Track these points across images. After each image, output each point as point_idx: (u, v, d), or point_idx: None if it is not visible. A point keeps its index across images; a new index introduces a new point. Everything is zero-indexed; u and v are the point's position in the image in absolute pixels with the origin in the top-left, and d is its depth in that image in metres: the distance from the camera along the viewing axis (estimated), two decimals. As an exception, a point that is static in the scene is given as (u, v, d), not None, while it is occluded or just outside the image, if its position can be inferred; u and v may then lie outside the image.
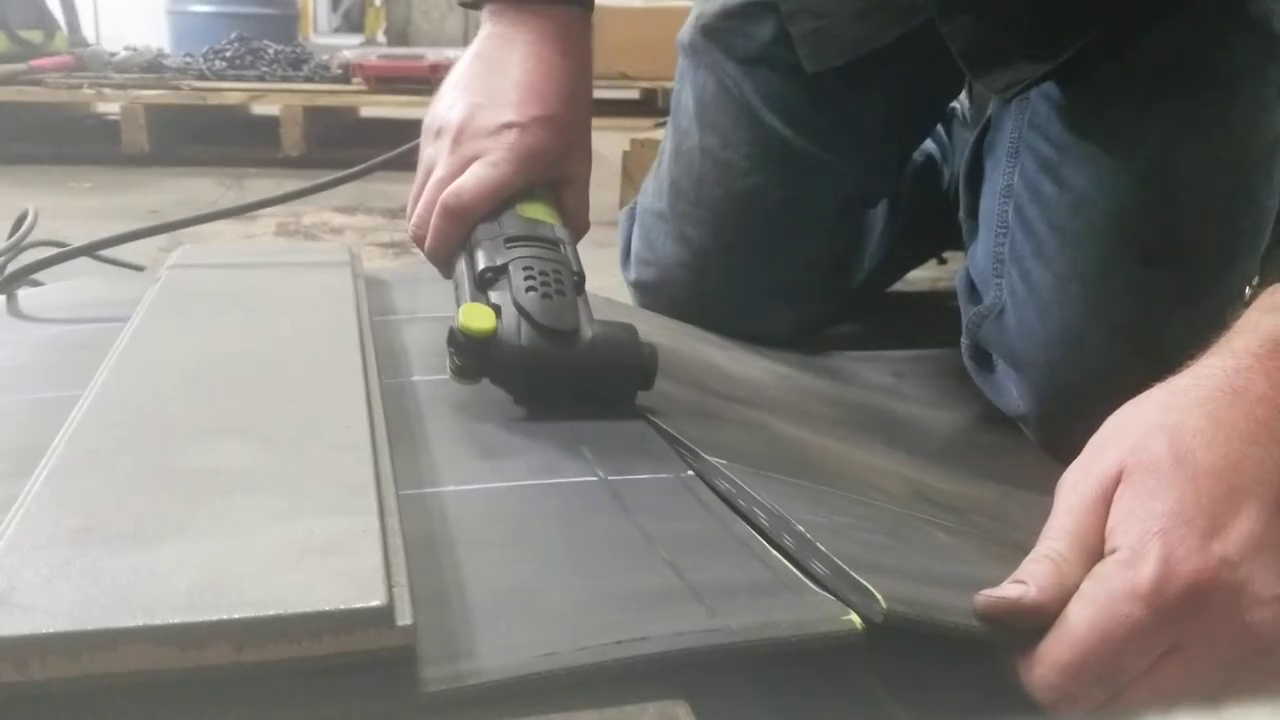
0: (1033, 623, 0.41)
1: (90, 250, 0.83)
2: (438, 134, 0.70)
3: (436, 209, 0.67)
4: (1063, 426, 0.76)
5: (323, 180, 0.88)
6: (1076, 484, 0.45)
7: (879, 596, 0.39)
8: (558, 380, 0.58)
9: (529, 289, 0.59)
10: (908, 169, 1.10)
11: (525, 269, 0.60)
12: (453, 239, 0.66)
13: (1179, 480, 0.42)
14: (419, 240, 0.70)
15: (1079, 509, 0.44)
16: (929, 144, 1.15)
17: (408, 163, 0.79)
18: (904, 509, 0.56)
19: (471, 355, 0.56)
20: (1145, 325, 0.73)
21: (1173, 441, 0.43)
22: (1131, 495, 0.43)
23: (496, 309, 0.58)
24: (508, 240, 0.63)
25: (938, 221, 1.10)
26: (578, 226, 0.71)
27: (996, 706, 0.42)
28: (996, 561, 0.46)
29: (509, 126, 0.67)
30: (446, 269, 0.68)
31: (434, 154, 0.70)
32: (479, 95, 0.69)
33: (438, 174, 0.69)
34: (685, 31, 0.97)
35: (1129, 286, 0.73)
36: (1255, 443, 0.43)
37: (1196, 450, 0.43)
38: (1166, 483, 0.42)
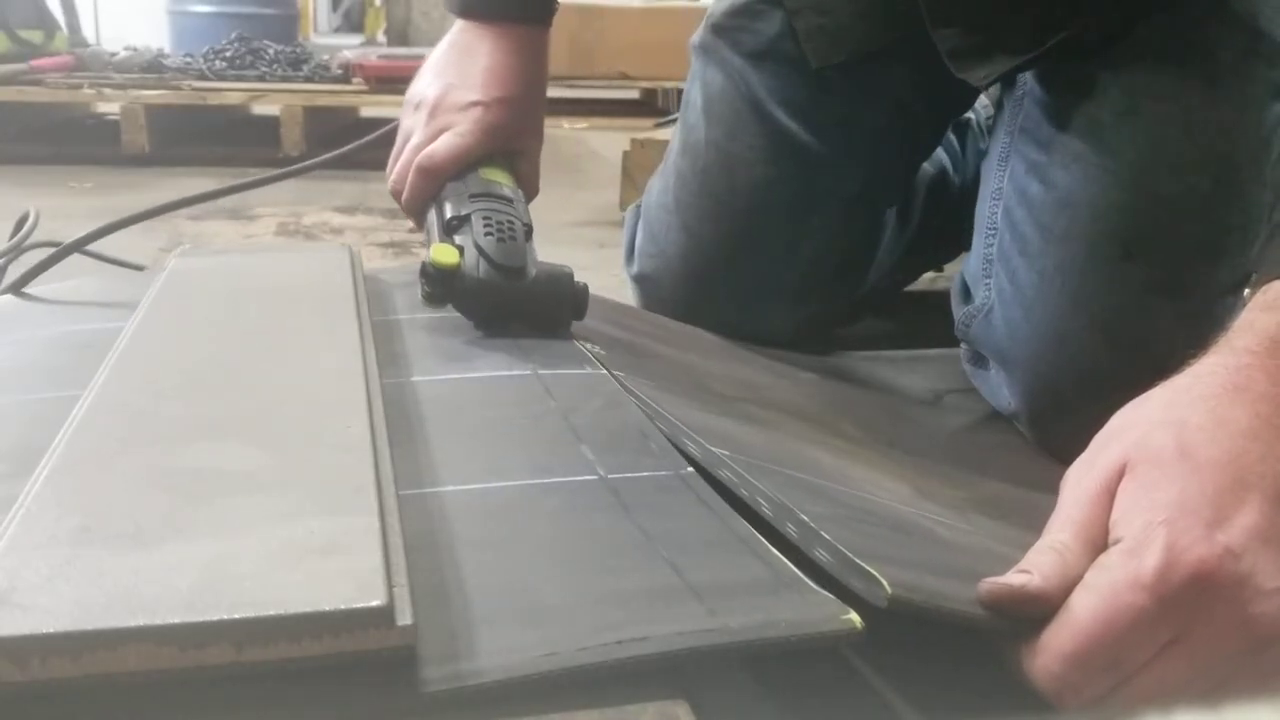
0: (1036, 611, 0.41)
1: (81, 245, 0.83)
2: (416, 107, 0.84)
3: (412, 169, 0.80)
4: (1053, 423, 0.77)
5: (300, 165, 0.93)
6: (1081, 478, 0.45)
7: (884, 582, 0.39)
8: (507, 307, 0.70)
9: (486, 234, 0.71)
10: (920, 179, 1.10)
11: (484, 218, 0.72)
12: (425, 194, 0.80)
13: (1182, 473, 0.42)
14: (397, 195, 0.83)
15: (1083, 501, 0.44)
16: (942, 156, 1.15)
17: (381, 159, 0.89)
18: (905, 506, 0.56)
19: (439, 285, 0.69)
20: (1127, 319, 0.73)
21: (1176, 436, 0.44)
22: (1135, 487, 0.43)
23: (460, 249, 0.69)
24: (471, 195, 0.76)
25: (948, 233, 1.11)
26: (529, 189, 0.85)
27: (1000, 705, 0.42)
28: (998, 558, 0.46)
29: (475, 104, 0.81)
30: (419, 219, 0.82)
31: (412, 124, 0.83)
32: (452, 77, 0.83)
33: (414, 140, 0.82)
34: (696, 34, 0.98)
35: (1110, 281, 0.74)
36: (1258, 438, 0.43)
37: (1200, 444, 0.43)
38: (1170, 475, 0.42)
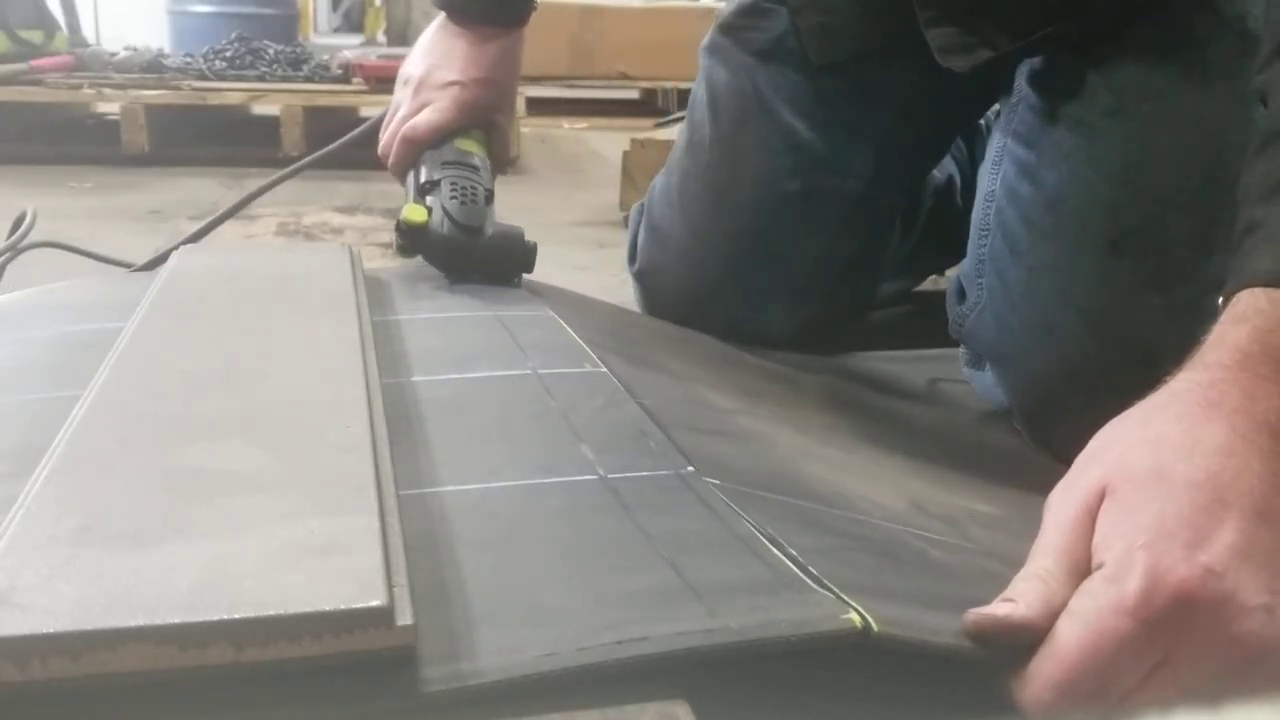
0: (1022, 640, 0.41)
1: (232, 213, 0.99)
2: (404, 84, 0.96)
3: (398, 139, 0.93)
4: (1045, 419, 0.78)
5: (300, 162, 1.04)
6: (1062, 501, 0.45)
7: (871, 620, 0.40)
8: (467, 260, 0.82)
9: (452, 196, 0.83)
10: (927, 185, 1.11)
11: (452, 183, 0.84)
12: (407, 160, 0.93)
13: (1160, 494, 0.42)
14: (385, 159, 0.95)
15: (1065, 526, 0.44)
16: (951, 165, 1.16)
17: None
18: (899, 525, 0.56)
19: (409, 239, 0.81)
20: (1114, 313, 0.74)
21: (1153, 456, 0.44)
22: (1115, 510, 0.43)
23: (429, 209, 0.82)
24: (444, 163, 0.88)
25: (954, 239, 1.11)
26: (500, 158, 0.98)
27: (997, 705, 0.42)
28: (990, 579, 0.45)
29: (453, 84, 0.93)
30: (402, 180, 0.94)
31: (400, 98, 0.96)
32: (435, 59, 0.95)
33: (401, 113, 0.95)
34: (706, 36, 0.99)
35: (1098, 275, 0.74)
36: (1234, 454, 0.43)
37: (1176, 464, 0.43)
38: (1148, 497, 0.42)
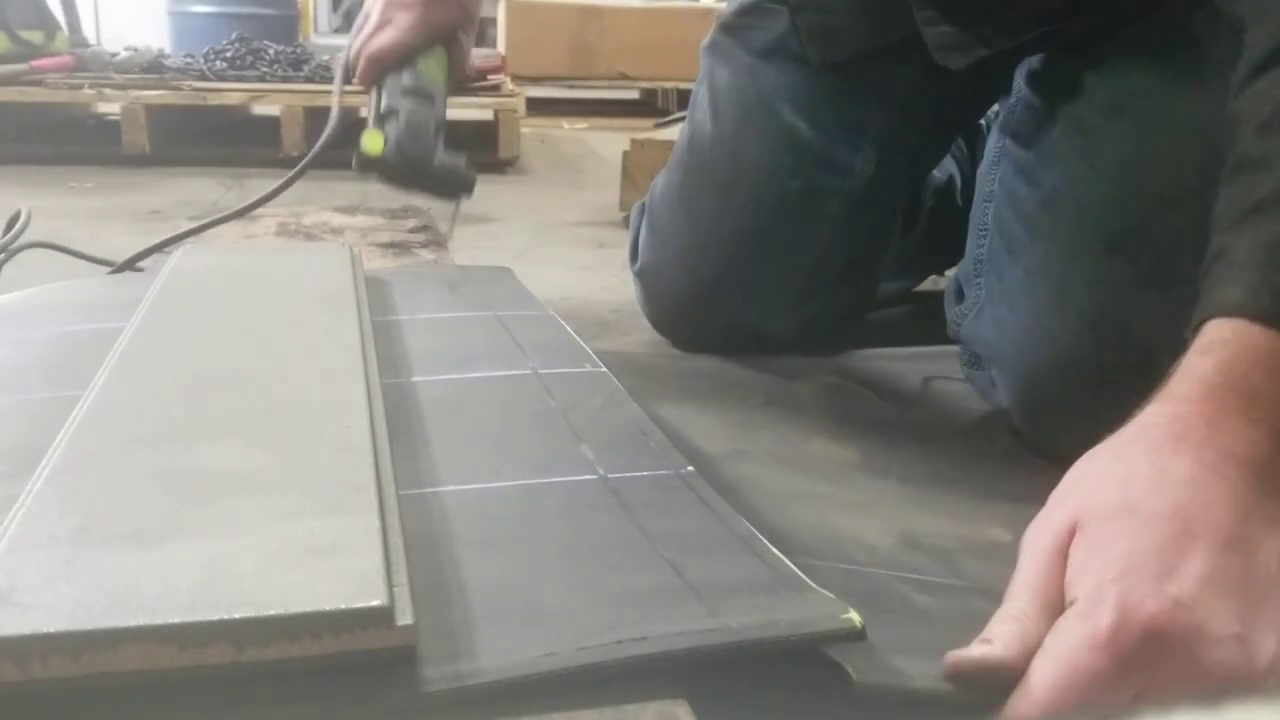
0: (999, 680, 0.41)
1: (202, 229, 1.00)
2: None
3: (364, 56, 1.01)
4: (1043, 420, 0.77)
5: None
6: (1036, 538, 0.45)
7: (849, 669, 0.40)
8: (417, 184, 0.95)
9: (407, 127, 0.94)
10: (927, 185, 1.11)
11: (408, 114, 0.95)
12: (371, 76, 1.01)
13: (1129, 528, 0.42)
14: (353, 70, 1.04)
15: (1038, 564, 0.44)
16: (951, 165, 1.16)
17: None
18: (884, 570, 0.56)
19: (367, 164, 0.92)
20: (1112, 311, 0.74)
21: (1121, 491, 0.44)
22: (1085, 546, 0.43)
23: (385, 138, 0.93)
24: (403, 91, 0.97)
25: (954, 239, 1.11)
26: (460, 73, 1.05)
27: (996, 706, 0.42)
28: (973, 622, 0.45)
29: (415, 5, 0.99)
30: (367, 90, 1.03)
31: (370, 9, 1.02)
32: None
33: (367, 28, 1.01)
34: (707, 36, 0.99)
35: (1095, 274, 0.74)
36: (1201, 486, 0.43)
37: (1144, 498, 0.43)
38: (1117, 531, 0.43)
